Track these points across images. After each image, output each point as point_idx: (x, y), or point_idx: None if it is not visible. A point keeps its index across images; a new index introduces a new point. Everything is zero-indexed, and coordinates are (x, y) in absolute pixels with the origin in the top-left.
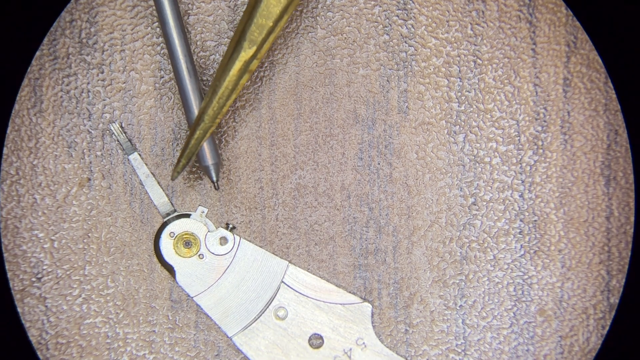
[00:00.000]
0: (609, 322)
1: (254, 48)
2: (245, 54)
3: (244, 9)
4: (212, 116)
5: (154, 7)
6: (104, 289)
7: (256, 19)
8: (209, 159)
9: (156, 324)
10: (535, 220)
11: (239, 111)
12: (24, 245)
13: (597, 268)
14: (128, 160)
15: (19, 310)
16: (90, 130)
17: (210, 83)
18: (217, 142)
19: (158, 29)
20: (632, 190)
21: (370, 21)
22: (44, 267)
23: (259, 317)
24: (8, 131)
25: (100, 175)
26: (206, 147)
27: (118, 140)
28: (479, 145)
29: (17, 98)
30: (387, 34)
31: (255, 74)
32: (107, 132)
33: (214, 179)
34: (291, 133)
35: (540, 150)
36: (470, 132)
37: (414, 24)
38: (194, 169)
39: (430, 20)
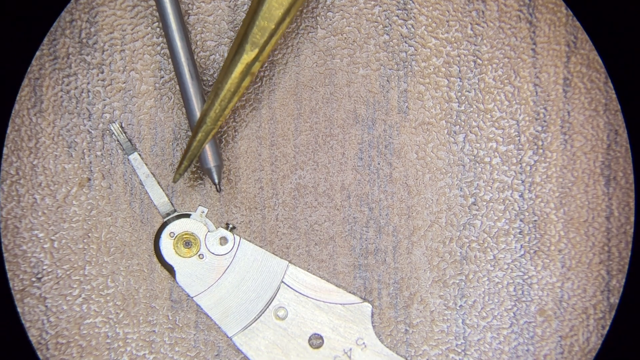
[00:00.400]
0: (609, 322)
1: (256, 51)
2: (247, 56)
3: (245, 10)
4: (214, 119)
5: (154, 7)
6: (104, 289)
7: (258, 22)
8: (211, 162)
9: (156, 324)
10: (535, 220)
11: (239, 111)
12: (24, 245)
13: (597, 268)
14: (128, 160)
15: (19, 310)
16: (90, 130)
17: (211, 84)
18: (219, 144)
19: (158, 29)
20: (632, 190)
21: (370, 21)
22: (44, 267)
23: (259, 317)
24: (8, 131)
25: (100, 175)
26: (208, 149)
27: (118, 140)
28: (479, 145)
29: (17, 98)
30: (387, 34)
31: None
32: (107, 132)
33: (216, 181)
34: (291, 133)
35: (540, 150)
36: (470, 132)
37: (414, 24)
38: (194, 169)
39: (430, 20)
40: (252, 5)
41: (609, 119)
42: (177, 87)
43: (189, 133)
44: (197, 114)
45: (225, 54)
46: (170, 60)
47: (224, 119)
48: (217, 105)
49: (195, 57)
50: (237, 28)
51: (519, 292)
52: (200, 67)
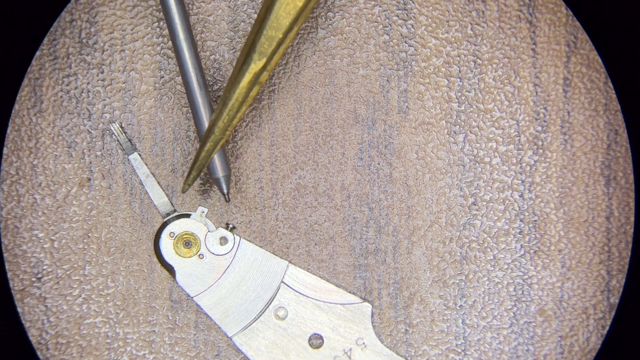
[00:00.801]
0: (609, 322)
1: (264, 60)
2: (255, 65)
3: (245, 10)
4: (223, 128)
5: (154, 7)
6: (104, 289)
7: (266, 31)
8: (219, 171)
9: (156, 324)
10: (535, 220)
11: None
12: (24, 245)
13: (597, 268)
14: (128, 160)
15: (19, 310)
16: (90, 130)
17: (211, 84)
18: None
19: (158, 29)
20: (632, 190)
21: (370, 21)
22: (44, 267)
23: (259, 317)
24: (8, 131)
25: (100, 175)
26: (216, 159)
27: (118, 140)
28: (479, 145)
29: (17, 98)
30: (387, 34)
31: None
32: (107, 132)
33: (225, 191)
34: (291, 133)
35: (540, 150)
36: (470, 132)
37: (414, 24)
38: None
39: (430, 20)
40: (260, 15)
41: (609, 119)
42: (178, 87)
43: (189, 135)
44: (206, 123)
45: (225, 54)
46: (171, 62)
47: (232, 129)
48: (225, 115)
49: None
50: (237, 28)
51: (519, 292)
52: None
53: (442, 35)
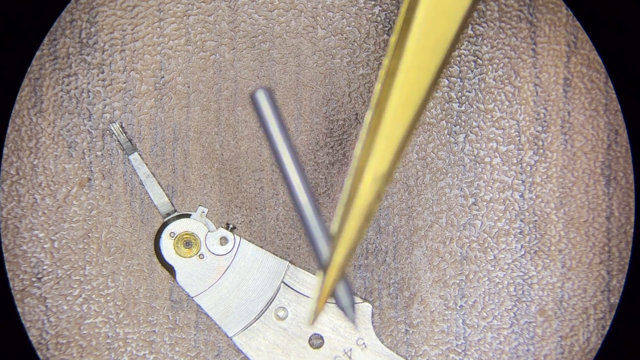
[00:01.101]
0: (609, 322)
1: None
2: (374, 185)
3: (246, 10)
4: (346, 257)
5: (154, 8)
6: (104, 289)
7: (378, 145)
8: (343, 301)
9: (156, 324)
10: (535, 220)
11: (238, 110)
12: (24, 245)
13: (597, 268)
14: (128, 160)
15: (19, 310)
16: (90, 130)
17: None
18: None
19: (158, 29)
20: (632, 190)
21: (370, 21)
22: (44, 267)
23: (259, 317)
24: (8, 131)
25: (100, 175)
26: (341, 287)
27: (118, 140)
28: (479, 145)
29: (17, 98)
30: (387, 34)
31: (254, 73)
32: (107, 132)
33: (353, 319)
34: (291, 133)
35: (541, 150)
36: (471, 132)
37: None
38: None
39: None
40: (372, 125)
41: (609, 119)
42: (178, 87)
43: (189, 135)
44: (323, 251)
45: (226, 54)
46: (172, 62)
47: (354, 254)
48: (345, 249)
49: (194, 58)
50: (237, 28)
51: (519, 292)
52: (200, 67)
53: None
